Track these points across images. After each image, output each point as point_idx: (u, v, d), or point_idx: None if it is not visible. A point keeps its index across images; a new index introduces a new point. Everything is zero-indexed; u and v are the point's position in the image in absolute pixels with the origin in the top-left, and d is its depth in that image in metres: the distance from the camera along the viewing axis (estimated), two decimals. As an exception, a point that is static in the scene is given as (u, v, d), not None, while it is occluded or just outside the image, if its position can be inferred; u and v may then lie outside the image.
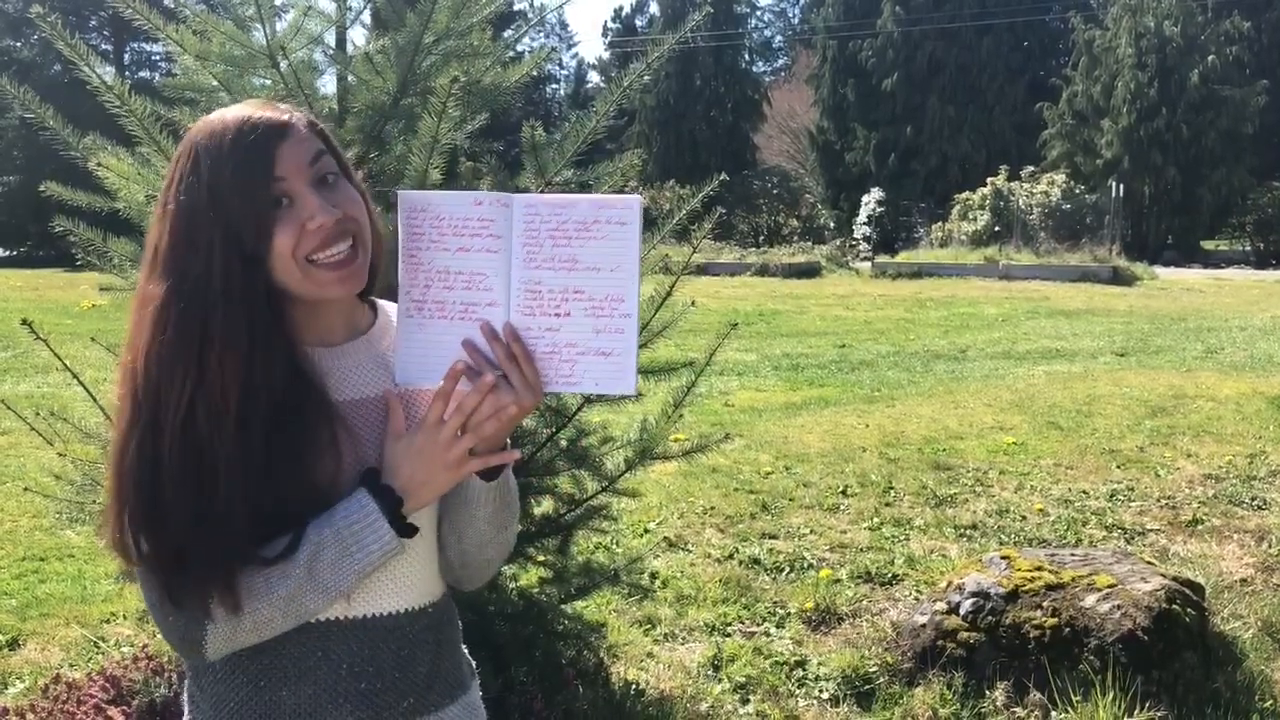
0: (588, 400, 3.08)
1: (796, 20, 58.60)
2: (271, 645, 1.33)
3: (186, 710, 1.43)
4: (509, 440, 1.39)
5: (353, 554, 1.28)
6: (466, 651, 1.56)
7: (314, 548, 1.27)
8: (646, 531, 5.33)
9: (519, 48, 3.35)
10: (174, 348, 1.24)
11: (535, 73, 3.23)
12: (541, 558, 3.31)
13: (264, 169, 1.26)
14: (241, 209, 1.25)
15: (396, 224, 1.35)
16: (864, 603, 4.38)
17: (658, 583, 4.58)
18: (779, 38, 60.86)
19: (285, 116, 1.31)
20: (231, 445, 1.23)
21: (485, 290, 1.31)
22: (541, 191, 2.93)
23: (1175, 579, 3.82)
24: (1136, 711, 3.31)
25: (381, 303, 1.50)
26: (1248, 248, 32.77)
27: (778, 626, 4.18)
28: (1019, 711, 3.46)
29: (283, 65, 2.69)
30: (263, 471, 1.25)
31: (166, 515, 1.23)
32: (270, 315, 1.29)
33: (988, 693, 3.53)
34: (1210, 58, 30.73)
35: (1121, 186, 28.35)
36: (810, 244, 31.84)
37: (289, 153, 1.28)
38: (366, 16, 3.05)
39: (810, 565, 4.83)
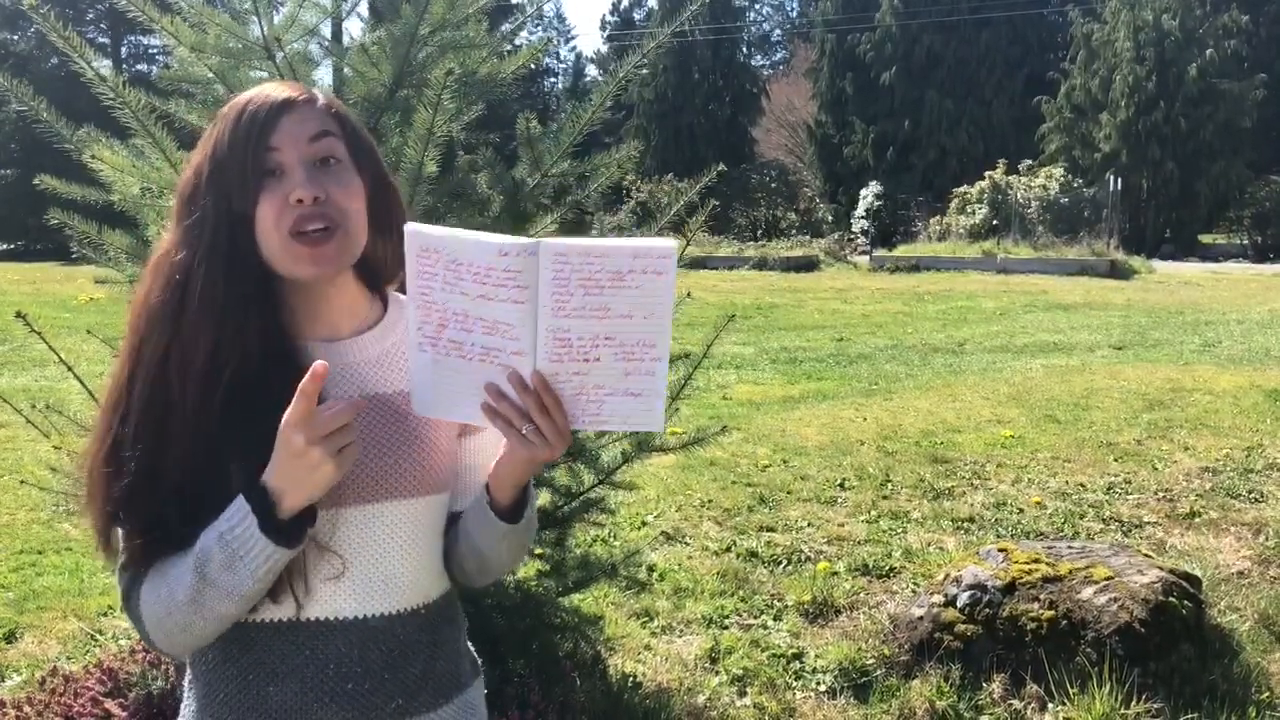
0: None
1: (795, 14, 58.53)
2: (260, 641, 1.33)
3: (185, 696, 1.43)
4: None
5: (241, 559, 1.22)
6: (472, 649, 1.54)
7: (202, 553, 1.24)
8: (644, 524, 5.33)
9: (516, 40, 3.35)
10: (161, 302, 1.27)
11: (532, 65, 3.22)
12: (539, 551, 3.31)
13: (260, 136, 1.28)
14: (233, 172, 1.28)
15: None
16: (861, 595, 4.38)
17: (655, 575, 4.59)
18: (777, 31, 60.78)
19: (297, 94, 1.33)
20: (194, 405, 1.24)
21: (511, 339, 1.24)
22: (538, 183, 2.93)
23: (1172, 572, 3.82)
24: (1133, 703, 3.31)
25: (401, 300, 1.45)
26: (1245, 241, 32.73)
27: (775, 619, 4.18)
28: (1016, 703, 3.46)
29: (278, 57, 2.69)
30: (210, 443, 1.24)
31: (123, 462, 1.25)
32: (253, 286, 1.29)
33: (985, 685, 3.53)
34: (1208, 51, 30.70)
35: (1119, 180, 28.33)
36: (808, 237, 31.80)
37: (289, 126, 1.30)
38: (363, 8, 3.04)
39: (808, 558, 4.83)
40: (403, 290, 1.35)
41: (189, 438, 1.24)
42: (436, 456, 1.41)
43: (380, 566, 1.36)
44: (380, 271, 1.44)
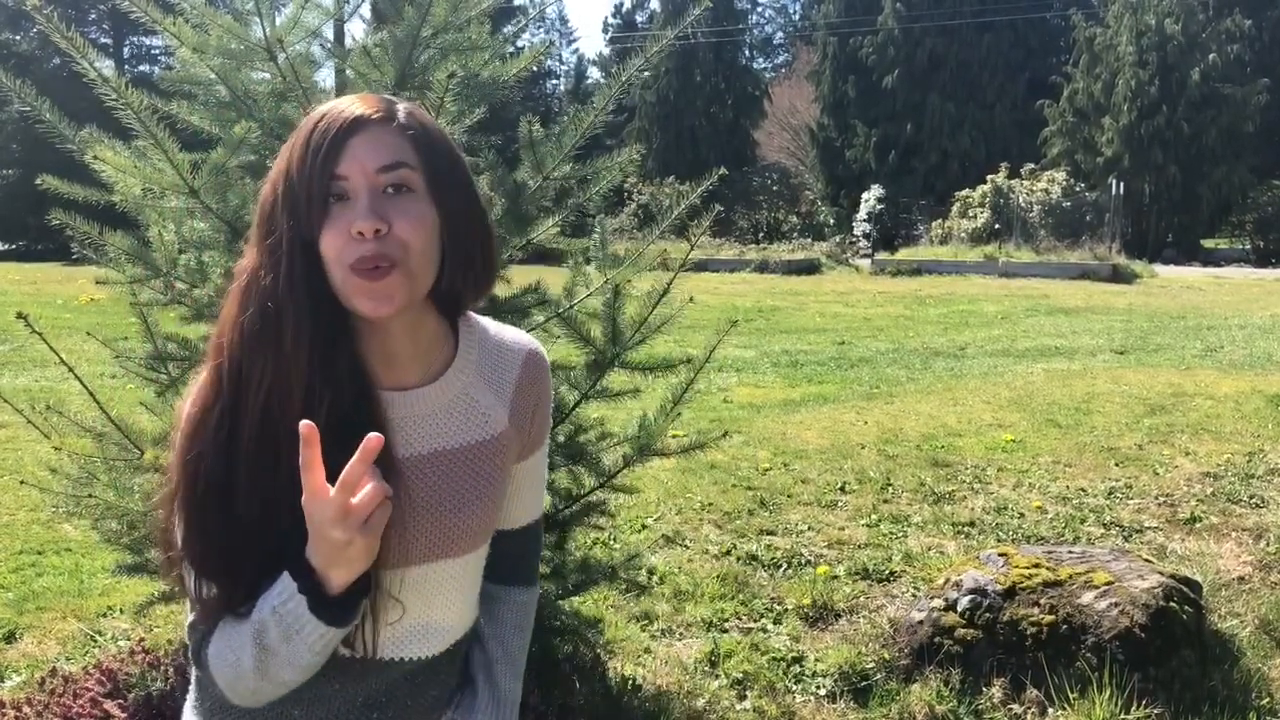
0: (585, 396, 3.08)
1: (797, 16, 58.59)
2: None
3: (191, 698, 1.40)
4: None
5: (297, 634, 1.18)
6: None
7: (259, 625, 1.19)
8: (644, 528, 5.33)
9: (518, 42, 3.35)
10: (257, 330, 1.20)
11: (535, 68, 3.22)
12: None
13: (325, 161, 1.20)
14: (302, 198, 1.20)
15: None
16: (861, 599, 4.38)
17: (655, 579, 4.58)
18: (779, 34, 60.85)
19: (370, 111, 1.23)
20: (295, 450, 1.15)
21: None
22: (540, 186, 2.93)
23: (1173, 577, 3.81)
24: (1133, 708, 3.30)
25: (470, 322, 1.40)
26: (1248, 246, 32.75)
27: (775, 623, 4.18)
28: (1016, 708, 3.45)
29: (280, 59, 2.69)
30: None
31: (237, 493, 1.19)
32: (335, 318, 1.22)
33: (985, 689, 3.52)
34: (1211, 56, 30.71)
35: (1122, 184, 28.34)
36: (810, 241, 31.86)
37: (359, 148, 1.21)
38: (365, 10, 3.04)
39: (808, 562, 4.83)
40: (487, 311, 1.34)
41: (296, 484, 1.15)
42: (495, 510, 1.40)
43: (427, 615, 1.35)
44: (460, 304, 1.37)
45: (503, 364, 1.42)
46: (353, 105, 1.24)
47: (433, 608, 1.36)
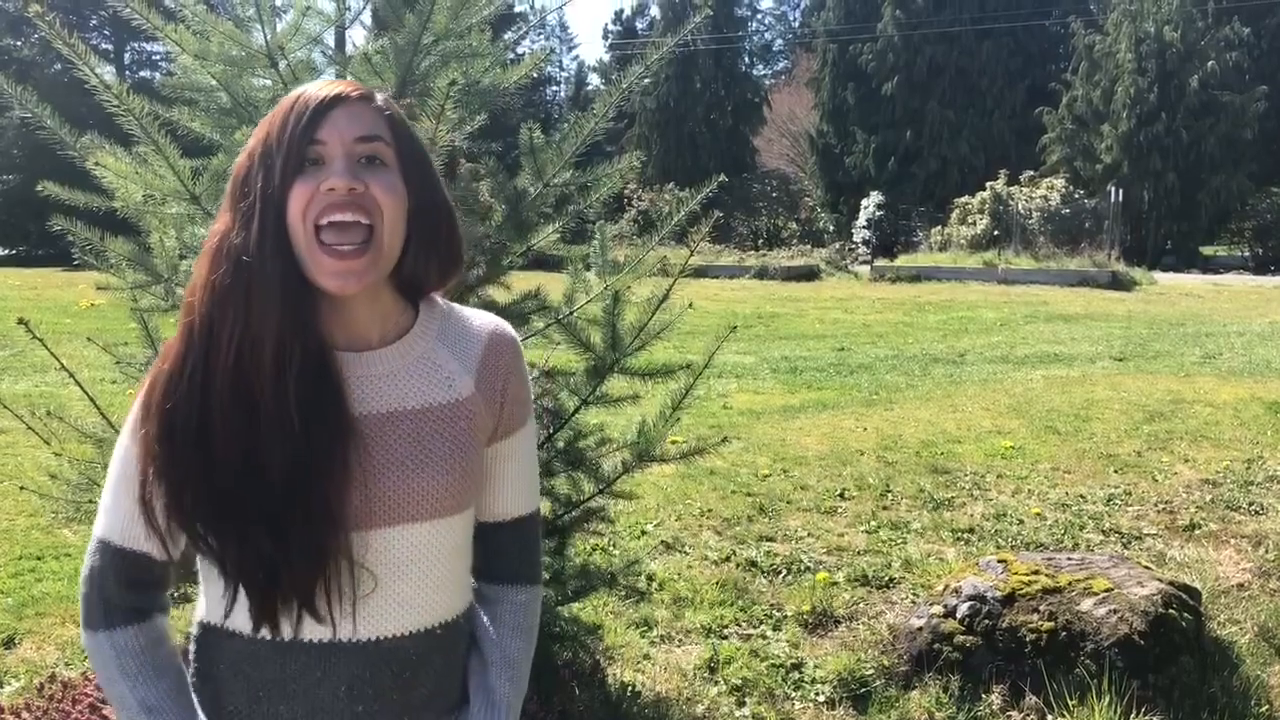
0: (585, 402, 3.08)
1: (797, 23, 58.62)
2: (274, 660, 1.33)
3: (190, 673, 1.42)
4: None
5: None
6: None
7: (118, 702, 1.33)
8: (644, 534, 5.33)
9: (519, 49, 3.36)
10: (228, 286, 1.24)
11: (535, 74, 3.23)
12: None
13: (307, 127, 1.25)
14: (278, 159, 1.25)
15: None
16: (861, 605, 4.38)
17: (655, 585, 4.58)
18: (779, 41, 60.87)
19: (352, 90, 1.30)
20: (271, 404, 1.23)
21: None
22: (541, 192, 2.93)
23: (1172, 584, 3.82)
24: (1133, 715, 3.30)
25: (433, 300, 1.44)
26: (1246, 253, 32.76)
27: (774, 629, 4.18)
28: (1015, 715, 3.45)
29: (281, 65, 2.69)
30: (296, 445, 1.23)
31: (217, 449, 1.23)
32: (302, 277, 1.26)
33: (984, 696, 3.52)
34: (1210, 63, 30.74)
35: (1121, 191, 28.36)
36: (809, 247, 31.87)
37: (338, 120, 1.27)
38: (366, 17, 3.05)
39: (807, 568, 4.83)
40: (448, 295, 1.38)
41: (278, 435, 1.23)
42: (464, 477, 1.37)
43: (397, 588, 1.34)
44: (417, 291, 1.41)
45: (468, 336, 1.43)
46: (333, 85, 1.31)
47: (403, 579, 1.34)
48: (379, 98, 1.33)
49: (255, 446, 1.23)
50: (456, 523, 1.38)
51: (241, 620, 1.31)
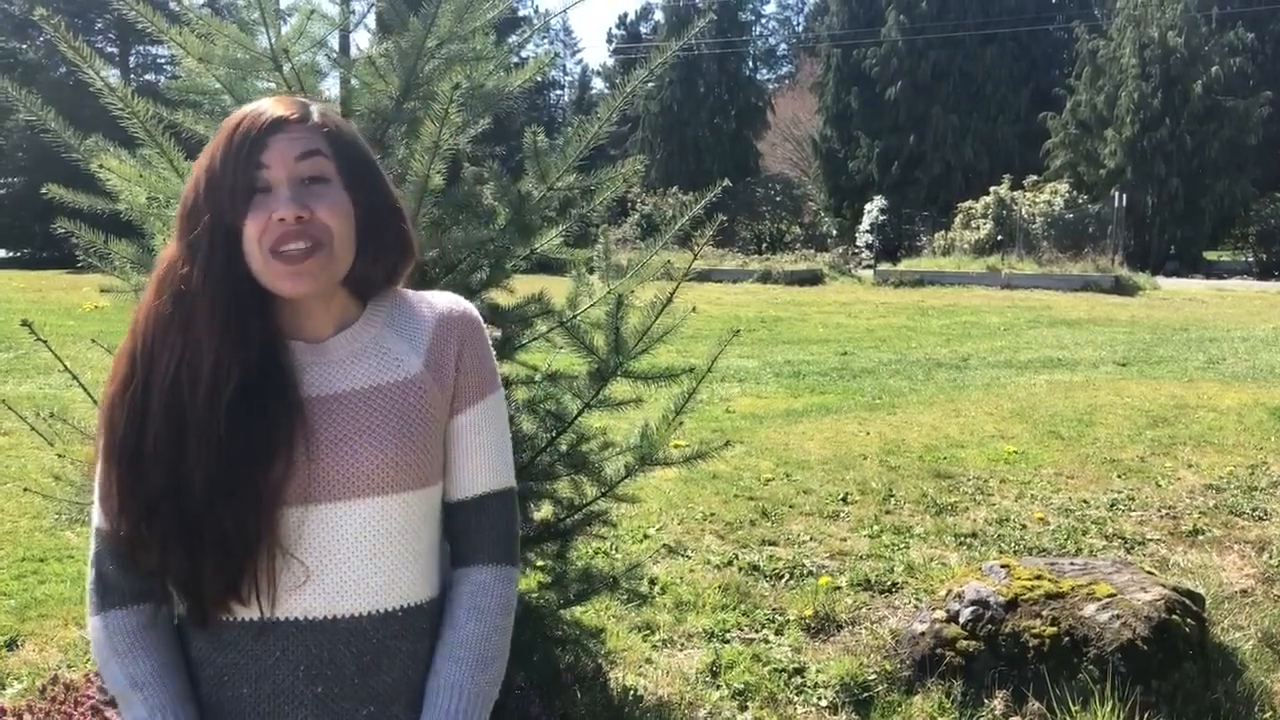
0: (587, 406, 3.08)
1: (801, 28, 58.73)
2: (233, 641, 1.36)
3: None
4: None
5: None
6: None
7: (119, 694, 1.37)
8: (646, 537, 5.33)
9: (523, 53, 3.36)
10: (169, 314, 1.32)
11: (539, 78, 3.23)
12: (540, 563, 3.31)
13: (250, 154, 1.31)
14: (226, 188, 1.31)
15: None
16: (863, 610, 4.37)
17: (657, 589, 4.58)
18: (783, 45, 60.97)
19: (289, 112, 1.35)
20: (203, 418, 1.29)
21: None
22: (544, 196, 2.93)
23: (1175, 589, 3.81)
24: (1135, 722, 3.30)
25: (393, 290, 1.49)
26: (1250, 259, 32.75)
27: (777, 633, 4.17)
28: (1018, 721, 3.45)
29: (285, 69, 2.70)
30: (223, 454, 1.29)
31: (146, 470, 1.30)
32: (250, 298, 1.33)
33: (986, 701, 3.52)
34: (1214, 68, 30.74)
35: (1124, 196, 28.36)
36: (813, 251, 31.86)
37: (280, 144, 1.32)
38: (370, 20, 3.05)
39: (810, 572, 4.82)
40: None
41: (205, 448, 1.29)
42: (413, 452, 1.38)
43: (351, 566, 1.35)
44: (369, 288, 1.46)
45: (417, 318, 1.47)
46: (272, 107, 1.35)
47: (353, 556, 1.35)
48: (315, 114, 1.38)
49: (181, 463, 1.29)
50: (410, 500, 1.38)
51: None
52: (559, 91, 57.02)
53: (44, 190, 2.80)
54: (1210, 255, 33.65)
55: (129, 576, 1.36)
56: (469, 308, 1.50)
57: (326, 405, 1.37)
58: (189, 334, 1.30)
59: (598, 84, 57.04)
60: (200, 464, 1.29)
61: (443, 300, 1.50)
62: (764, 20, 57.52)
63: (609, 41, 57.42)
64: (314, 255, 1.32)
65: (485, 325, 1.52)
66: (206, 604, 1.33)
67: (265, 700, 1.35)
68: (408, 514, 1.39)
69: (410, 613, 1.40)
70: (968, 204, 30.02)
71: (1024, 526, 5.55)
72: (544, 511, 3.21)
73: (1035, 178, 30.54)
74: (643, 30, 52.74)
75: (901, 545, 5.24)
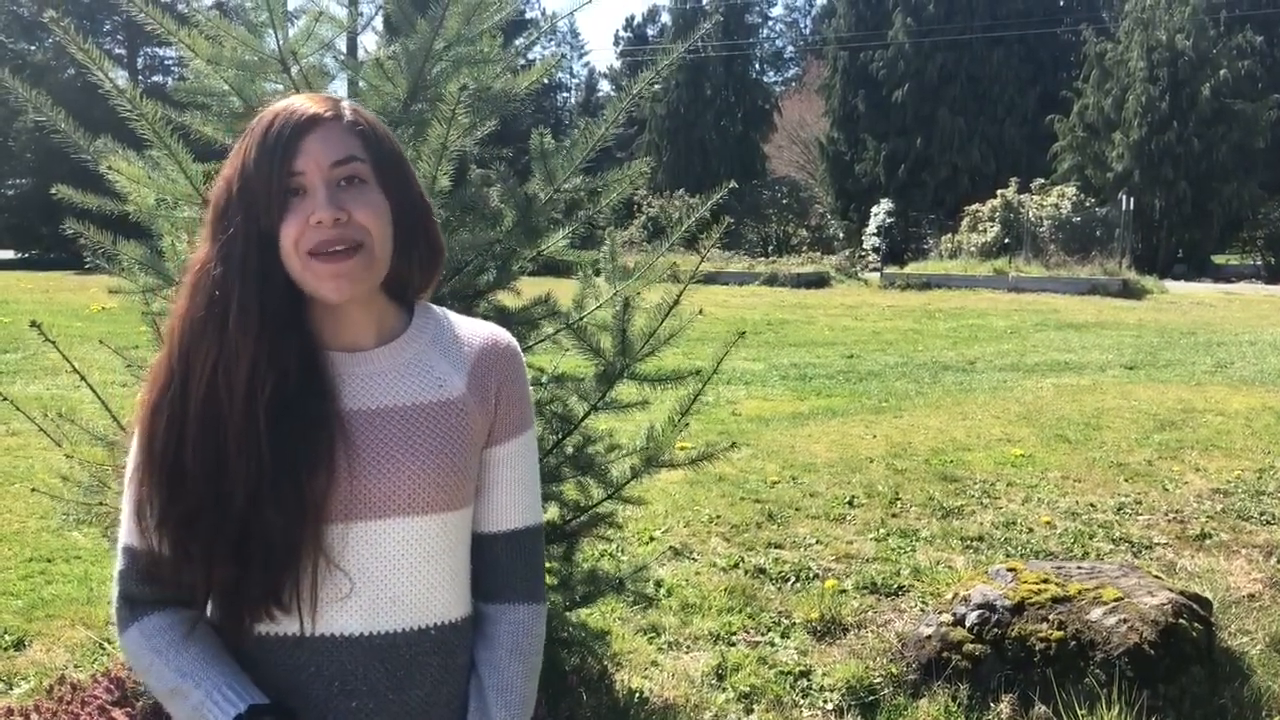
0: (594, 408, 3.08)
1: (807, 31, 58.69)
2: (267, 656, 1.35)
3: None
4: None
5: None
6: None
7: (173, 692, 1.32)
8: (652, 540, 5.33)
9: (530, 55, 3.37)
10: (203, 319, 1.29)
11: (546, 80, 3.24)
12: (547, 565, 3.31)
13: (283, 159, 1.28)
14: (259, 193, 1.28)
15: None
16: (869, 613, 4.37)
17: (663, 591, 4.58)
18: (790, 48, 60.94)
19: (323, 110, 1.32)
20: (240, 426, 1.27)
21: None
22: (551, 198, 2.94)
23: (1182, 593, 3.80)
24: (1142, 726, 3.29)
25: (429, 308, 1.48)
26: (1258, 262, 32.66)
27: (782, 636, 4.17)
28: (1024, 725, 3.44)
29: (294, 70, 2.71)
30: (263, 463, 1.27)
31: (186, 477, 1.27)
32: (287, 305, 1.30)
33: (992, 705, 3.51)
34: (1222, 72, 30.65)
35: (1132, 200, 28.28)
36: (819, 254, 31.83)
37: (313, 147, 1.29)
38: (378, 22, 3.06)
39: (816, 575, 4.82)
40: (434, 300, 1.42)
41: (243, 457, 1.27)
42: (454, 474, 1.38)
43: (389, 584, 1.35)
44: (408, 287, 1.44)
45: (462, 341, 1.46)
46: (305, 105, 1.32)
47: (393, 574, 1.35)
48: (347, 111, 1.35)
49: (221, 473, 1.27)
50: (449, 521, 1.39)
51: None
52: (565, 94, 57.10)
53: (53, 191, 2.80)
54: (1218, 259, 33.55)
55: (155, 587, 1.34)
56: (512, 340, 1.50)
57: (369, 420, 1.35)
58: (224, 339, 1.27)
59: (604, 86, 57.12)
60: (240, 473, 1.26)
61: (486, 328, 1.49)
62: (771, 23, 57.60)
63: (616, 44, 57.52)
64: (354, 256, 1.29)
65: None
66: (245, 613, 1.31)
67: (299, 712, 1.34)
68: (445, 534, 1.39)
69: (444, 630, 1.40)
70: (975, 207, 29.96)
71: (1030, 530, 5.54)
72: (550, 513, 3.21)
73: (1042, 181, 30.47)
74: (649, 33, 52.77)
75: (908, 548, 5.23)
